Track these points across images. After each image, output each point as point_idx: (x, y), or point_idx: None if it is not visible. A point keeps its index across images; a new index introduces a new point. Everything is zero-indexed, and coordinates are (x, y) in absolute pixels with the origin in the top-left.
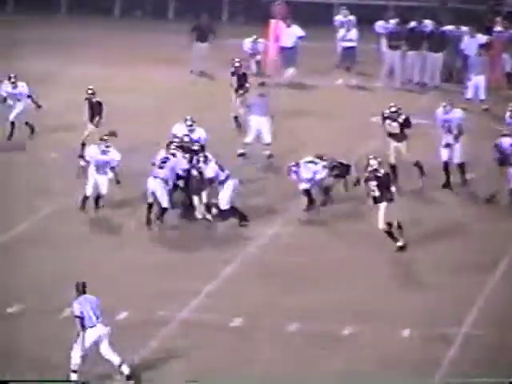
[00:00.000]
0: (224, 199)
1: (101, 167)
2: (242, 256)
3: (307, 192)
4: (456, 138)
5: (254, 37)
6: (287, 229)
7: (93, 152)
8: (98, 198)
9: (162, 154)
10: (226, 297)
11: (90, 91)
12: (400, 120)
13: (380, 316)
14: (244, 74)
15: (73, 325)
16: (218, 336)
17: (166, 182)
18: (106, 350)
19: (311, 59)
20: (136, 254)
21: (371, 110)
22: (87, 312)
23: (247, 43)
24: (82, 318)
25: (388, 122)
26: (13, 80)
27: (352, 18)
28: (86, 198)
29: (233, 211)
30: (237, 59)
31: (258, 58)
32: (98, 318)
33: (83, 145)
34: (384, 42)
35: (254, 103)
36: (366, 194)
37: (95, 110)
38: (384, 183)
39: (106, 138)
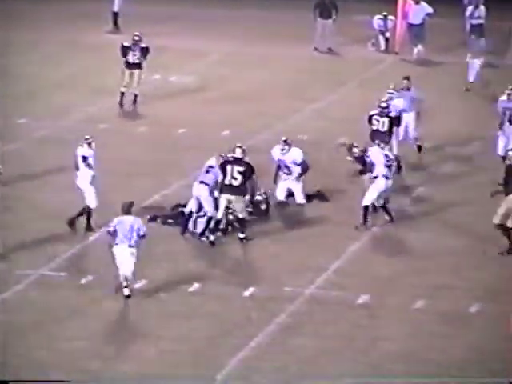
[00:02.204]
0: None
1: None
2: (369, 233)
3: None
4: None
5: (384, 14)
6: (416, 207)
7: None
8: None
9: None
10: (353, 274)
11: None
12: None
13: (509, 294)
14: (145, 49)
15: None
16: (344, 313)
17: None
18: (126, 267)
19: (440, 36)
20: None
21: (500, 88)
22: (120, 231)
23: (377, 20)
24: (111, 234)
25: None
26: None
27: None
28: None
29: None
30: (137, 32)
31: (388, 35)
32: (128, 239)
33: None
34: None
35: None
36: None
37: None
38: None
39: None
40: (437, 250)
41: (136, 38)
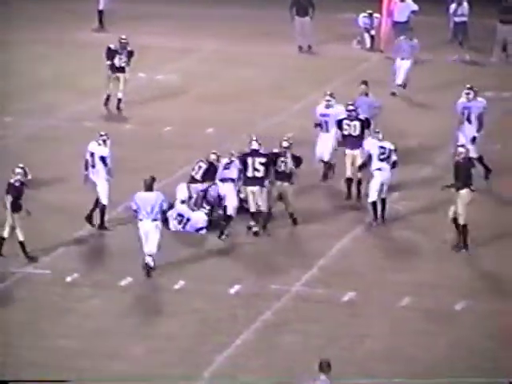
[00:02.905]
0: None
1: None
2: (354, 231)
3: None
4: (478, 130)
5: (369, 11)
6: (402, 205)
7: None
8: None
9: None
10: (339, 272)
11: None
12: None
13: (494, 291)
14: (131, 53)
15: None
16: (330, 311)
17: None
18: (150, 241)
19: (424, 34)
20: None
21: (484, 86)
22: (142, 206)
23: (362, 18)
24: (135, 211)
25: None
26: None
27: None
28: None
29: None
30: (123, 36)
31: (373, 32)
32: (151, 214)
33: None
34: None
35: (359, 104)
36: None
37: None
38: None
39: None
40: (422, 248)
41: (123, 41)
